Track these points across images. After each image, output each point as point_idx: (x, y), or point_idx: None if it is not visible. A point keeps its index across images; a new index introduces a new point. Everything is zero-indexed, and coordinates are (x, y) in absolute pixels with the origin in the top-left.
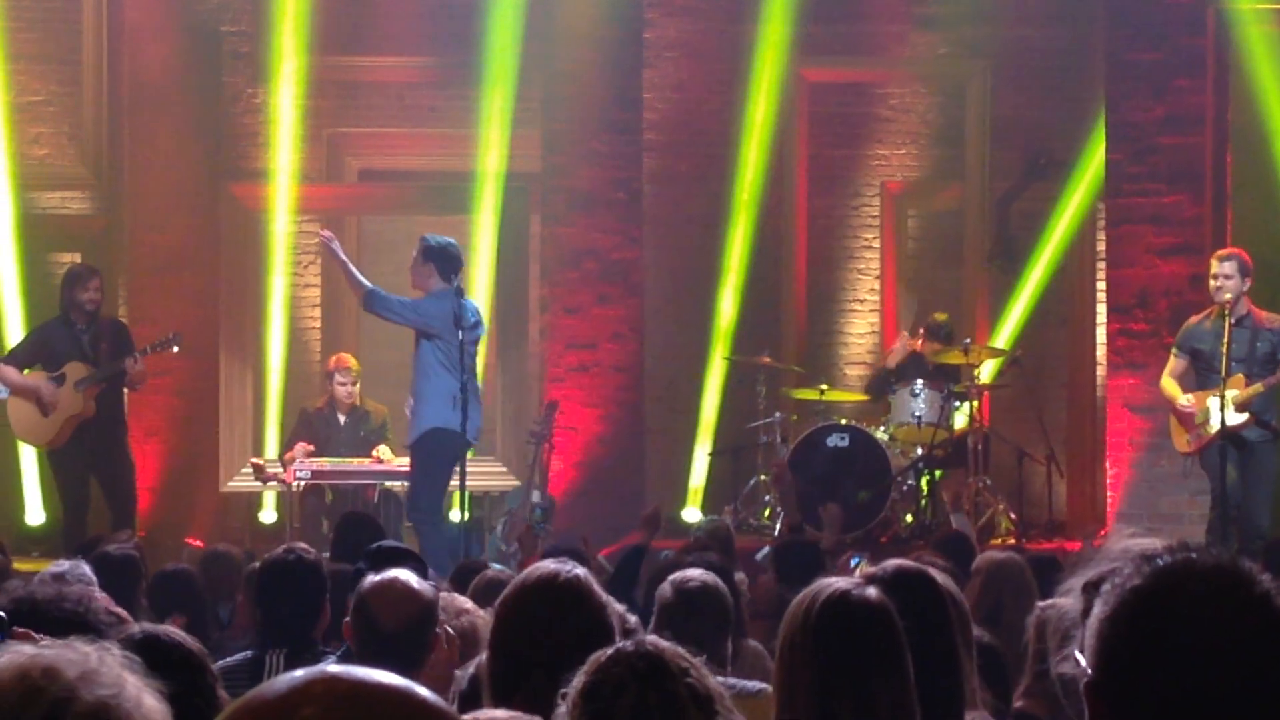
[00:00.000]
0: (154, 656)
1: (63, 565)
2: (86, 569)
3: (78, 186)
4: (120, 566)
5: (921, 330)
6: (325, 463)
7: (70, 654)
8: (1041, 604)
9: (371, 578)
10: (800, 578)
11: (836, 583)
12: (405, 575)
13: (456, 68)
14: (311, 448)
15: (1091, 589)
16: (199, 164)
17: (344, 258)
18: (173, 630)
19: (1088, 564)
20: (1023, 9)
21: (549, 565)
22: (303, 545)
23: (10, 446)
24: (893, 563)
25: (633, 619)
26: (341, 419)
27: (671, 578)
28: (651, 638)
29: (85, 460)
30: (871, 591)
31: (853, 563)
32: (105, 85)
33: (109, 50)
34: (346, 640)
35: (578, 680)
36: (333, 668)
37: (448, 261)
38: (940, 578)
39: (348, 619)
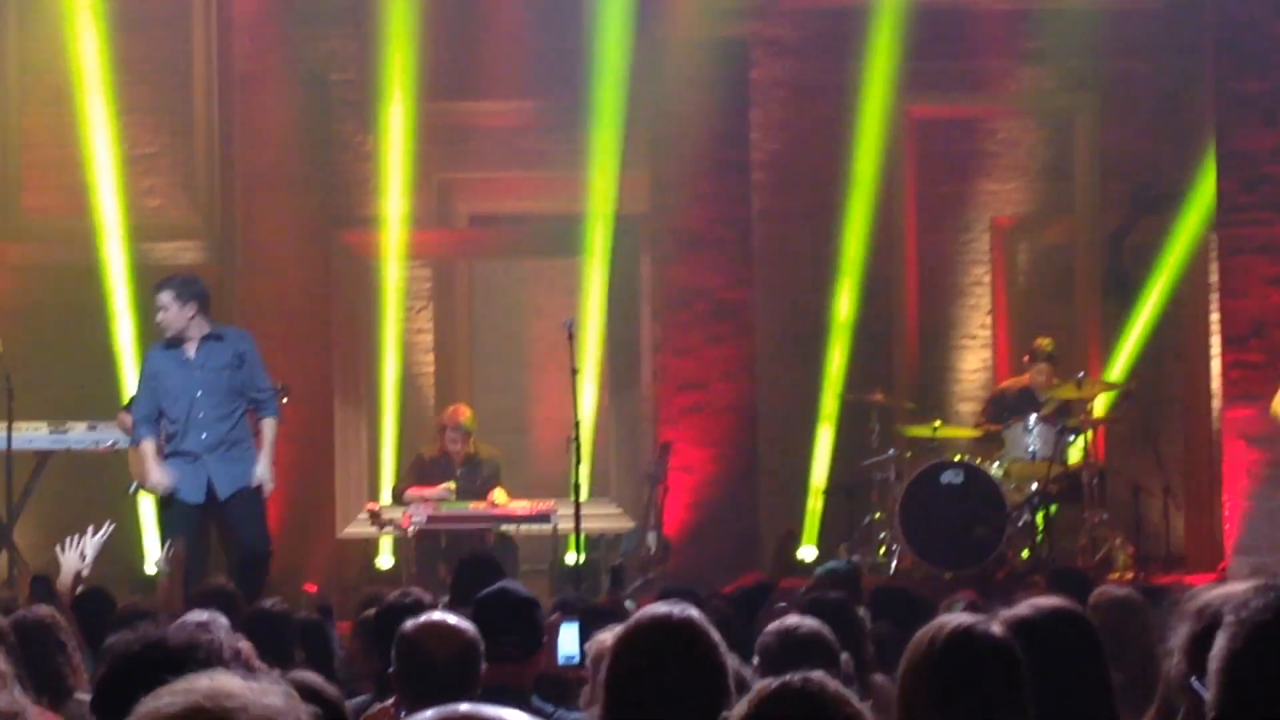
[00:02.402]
0: None
1: (201, 615)
2: (223, 619)
3: (190, 236)
4: (274, 621)
5: (1026, 357)
6: (441, 507)
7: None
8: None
9: (410, 621)
10: (897, 617)
11: (959, 618)
12: (444, 614)
13: (564, 111)
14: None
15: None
16: (310, 212)
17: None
18: (311, 677)
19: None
20: (1129, 41)
21: (661, 606)
22: (419, 590)
23: (128, 495)
24: (1045, 601)
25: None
26: (458, 470)
27: (775, 625)
28: (819, 673)
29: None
30: (995, 627)
31: (955, 604)
32: (216, 136)
33: (220, 101)
34: (394, 687)
35: (740, 710)
36: (463, 706)
37: (204, 296)
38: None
39: (392, 669)
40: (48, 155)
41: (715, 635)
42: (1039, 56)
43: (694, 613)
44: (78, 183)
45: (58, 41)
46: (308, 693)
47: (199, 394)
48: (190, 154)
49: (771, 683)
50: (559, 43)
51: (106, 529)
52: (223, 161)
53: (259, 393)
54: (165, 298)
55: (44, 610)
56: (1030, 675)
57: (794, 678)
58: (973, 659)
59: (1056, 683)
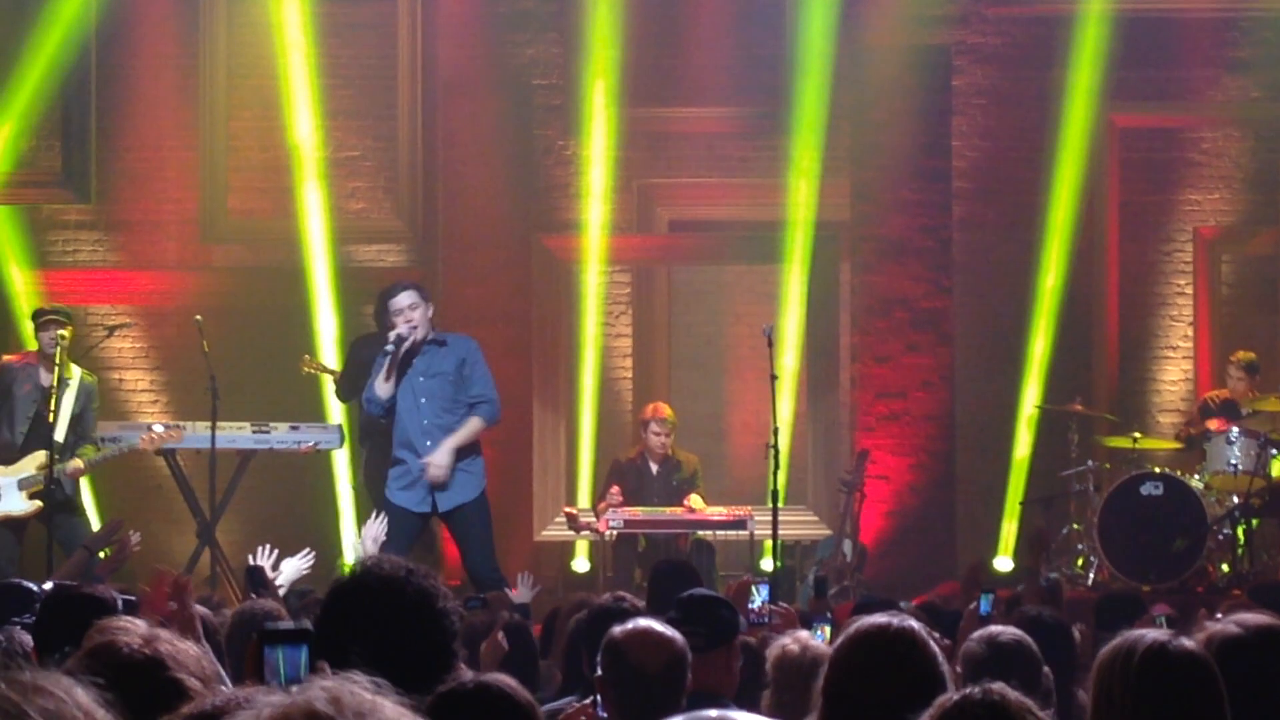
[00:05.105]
0: (484, 705)
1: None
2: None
3: (393, 240)
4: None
5: (1227, 368)
6: (638, 511)
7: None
8: None
9: (619, 627)
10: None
11: (1151, 634)
12: (652, 622)
13: (765, 118)
14: (618, 494)
15: None
16: (511, 216)
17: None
18: (503, 679)
19: None
20: None
21: (880, 616)
22: (627, 595)
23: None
24: (1252, 618)
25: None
26: (654, 469)
27: (980, 633)
28: (999, 685)
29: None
30: (1189, 643)
31: (1158, 619)
32: (420, 140)
33: (424, 106)
34: (599, 691)
35: None
36: (710, 712)
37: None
38: None
39: (598, 674)
40: (254, 159)
41: (934, 647)
42: (1244, 65)
43: (913, 623)
44: (283, 186)
45: (265, 46)
46: (498, 695)
47: (422, 401)
48: (394, 158)
49: (952, 696)
50: (761, 50)
51: (307, 558)
52: (426, 166)
53: (475, 398)
54: (411, 298)
55: (270, 604)
56: (1238, 693)
57: (974, 690)
58: (1170, 676)
59: (1265, 701)
